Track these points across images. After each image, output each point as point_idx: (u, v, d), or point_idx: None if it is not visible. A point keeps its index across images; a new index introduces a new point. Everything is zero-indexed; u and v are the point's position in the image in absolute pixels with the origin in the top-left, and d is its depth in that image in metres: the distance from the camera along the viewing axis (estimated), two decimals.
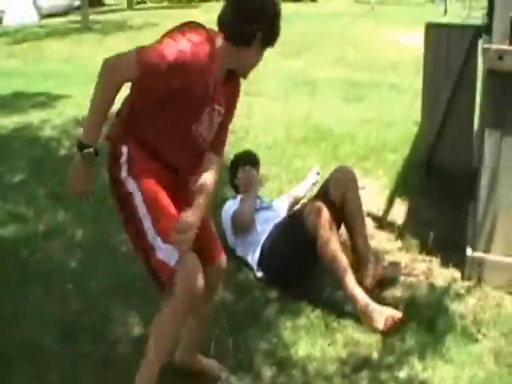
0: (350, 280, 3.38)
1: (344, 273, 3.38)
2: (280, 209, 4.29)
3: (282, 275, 3.72)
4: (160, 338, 2.50)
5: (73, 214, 4.81)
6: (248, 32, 2.55)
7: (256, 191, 4.25)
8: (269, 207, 4.23)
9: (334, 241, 3.45)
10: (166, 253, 2.40)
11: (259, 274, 3.82)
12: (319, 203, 3.61)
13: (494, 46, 3.51)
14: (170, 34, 2.60)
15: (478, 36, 5.03)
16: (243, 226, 3.95)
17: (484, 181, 3.65)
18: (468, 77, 5.12)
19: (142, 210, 2.50)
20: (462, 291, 3.59)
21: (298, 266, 3.68)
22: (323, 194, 3.88)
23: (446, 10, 25.39)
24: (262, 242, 3.85)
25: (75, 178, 2.59)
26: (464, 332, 3.21)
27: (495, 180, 3.61)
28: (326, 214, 3.51)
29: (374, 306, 3.26)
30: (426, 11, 26.38)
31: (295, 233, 3.65)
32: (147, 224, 2.47)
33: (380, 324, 3.19)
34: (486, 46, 3.59)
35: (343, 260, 3.41)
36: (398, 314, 3.22)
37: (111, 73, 2.54)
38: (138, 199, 2.52)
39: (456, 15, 21.50)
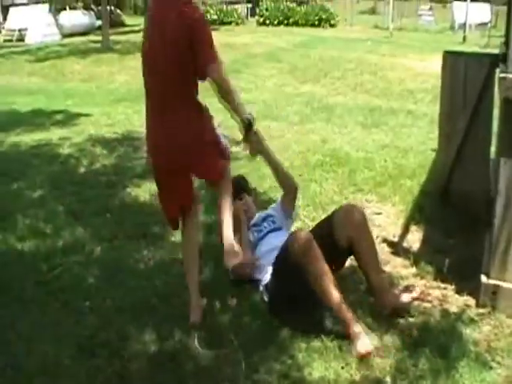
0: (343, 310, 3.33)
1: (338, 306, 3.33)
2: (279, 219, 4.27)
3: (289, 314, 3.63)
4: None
5: (90, 231, 4.88)
6: None
7: (244, 225, 4.23)
8: (268, 230, 4.19)
9: (323, 277, 3.37)
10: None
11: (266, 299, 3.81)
12: (306, 235, 3.50)
13: (511, 76, 3.54)
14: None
15: (495, 65, 5.04)
16: None
17: (499, 209, 3.66)
18: (485, 105, 5.12)
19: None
20: (476, 318, 3.57)
21: (301, 305, 3.61)
22: (326, 234, 3.72)
23: (464, 38, 25.49)
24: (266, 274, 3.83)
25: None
26: (478, 359, 3.19)
27: (510, 208, 3.63)
28: (314, 248, 3.43)
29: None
30: (444, 38, 26.50)
31: (288, 276, 3.54)
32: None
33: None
34: (502, 75, 3.61)
35: (335, 294, 3.34)
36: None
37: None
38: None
39: (475, 43, 21.60)
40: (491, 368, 3.15)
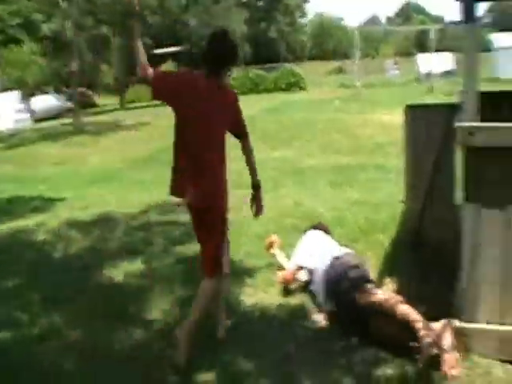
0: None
1: None
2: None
3: None
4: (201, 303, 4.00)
5: (66, 316, 4.84)
6: None
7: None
8: None
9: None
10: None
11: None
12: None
13: (465, 124, 3.64)
14: None
15: (454, 113, 5.18)
16: None
17: (465, 254, 3.72)
18: (447, 154, 5.24)
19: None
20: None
21: None
22: None
23: (431, 88, 26.05)
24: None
25: None
26: None
27: (476, 253, 3.69)
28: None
29: None
30: (411, 90, 27.05)
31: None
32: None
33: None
34: (458, 124, 3.71)
35: None
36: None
37: None
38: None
39: (441, 92, 22.06)
40: None
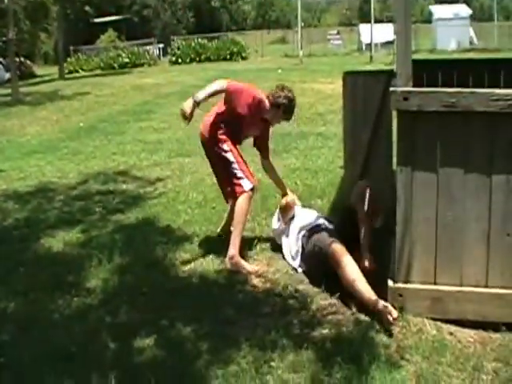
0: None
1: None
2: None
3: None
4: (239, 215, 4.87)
5: (4, 288, 4.76)
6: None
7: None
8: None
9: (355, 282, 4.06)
10: (245, 184, 4.89)
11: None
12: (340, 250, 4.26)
13: (399, 88, 3.69)
14: None
15: (391, 80, 5.24)
16: None
17: (399, 216, 3.80)
18: (384, 120, 5.29)
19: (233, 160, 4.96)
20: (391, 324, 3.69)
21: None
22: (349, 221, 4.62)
23: (371, 58, 26.34)
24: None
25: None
26: (388, 360, 3.33)
27: (410, 215, 3.77)
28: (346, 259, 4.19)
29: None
30: (352, 60, 27.31)
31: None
32: (236, 168, 4.94)
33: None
34: (392, 88, 3.76)
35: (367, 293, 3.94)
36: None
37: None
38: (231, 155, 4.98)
39: (381, 62, 22.31)
40: (400, 366, 3.29)
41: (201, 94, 4.79)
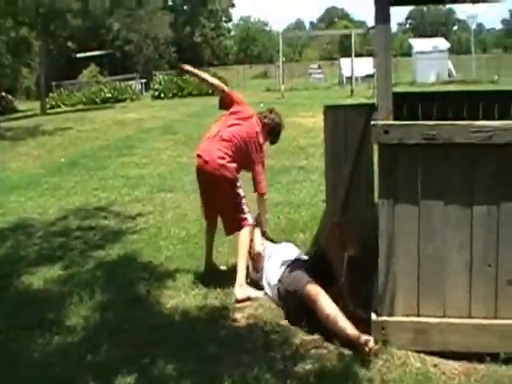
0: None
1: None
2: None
3: None
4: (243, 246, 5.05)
5: None
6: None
7: None
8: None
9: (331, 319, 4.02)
10: (249, 218, 5.10)
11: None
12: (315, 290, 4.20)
13: (380, 122, 3.72)
14: None
15: (371, 113, 5.27)
16: None
17: (381, 249, 3.80)
18: (365, 153, 5.31)
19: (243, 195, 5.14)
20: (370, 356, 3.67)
21: None
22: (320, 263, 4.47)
23: (352, 91, 26.60)
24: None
25: None
26: None
27: (392, 248, 3.77)
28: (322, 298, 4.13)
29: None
30: (333, 93, 27.53)
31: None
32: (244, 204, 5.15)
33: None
34: (373, 122, 3.79)
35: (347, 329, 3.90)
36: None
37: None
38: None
39: (361, 95, 22.52)
40: None
41: (203, 74, 5.54)
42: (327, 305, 4.06)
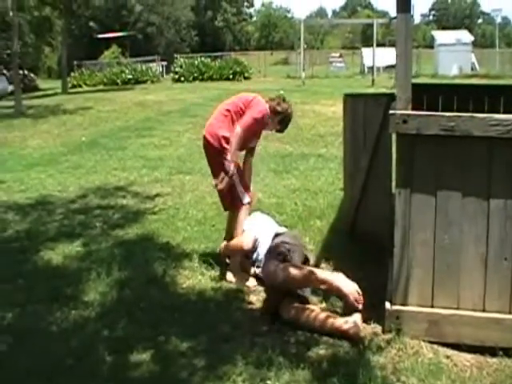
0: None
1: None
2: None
3: None
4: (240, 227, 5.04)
5: (1, 298, 4.77)
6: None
7: None
8: None
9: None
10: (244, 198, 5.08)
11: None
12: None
13: (399, 111, 3.74)
14: None
15: (390, 103, 5.28)
16: None
17: (397, 238, 3.82)
18: (384, 142, 5.33)
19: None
20: (383, 344, 3.73)
21: None
22: None
23: (373, 81, 26.46)
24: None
25: None
26: (384, 382, 3.34)
27: (407, 238, 3.80)
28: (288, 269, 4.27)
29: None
30: (354, 83, 27.41)
31: None
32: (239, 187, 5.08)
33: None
34: (391, 111, 3.80)
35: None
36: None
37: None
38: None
39: (383, 85, 22.40)
40: None
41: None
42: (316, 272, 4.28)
